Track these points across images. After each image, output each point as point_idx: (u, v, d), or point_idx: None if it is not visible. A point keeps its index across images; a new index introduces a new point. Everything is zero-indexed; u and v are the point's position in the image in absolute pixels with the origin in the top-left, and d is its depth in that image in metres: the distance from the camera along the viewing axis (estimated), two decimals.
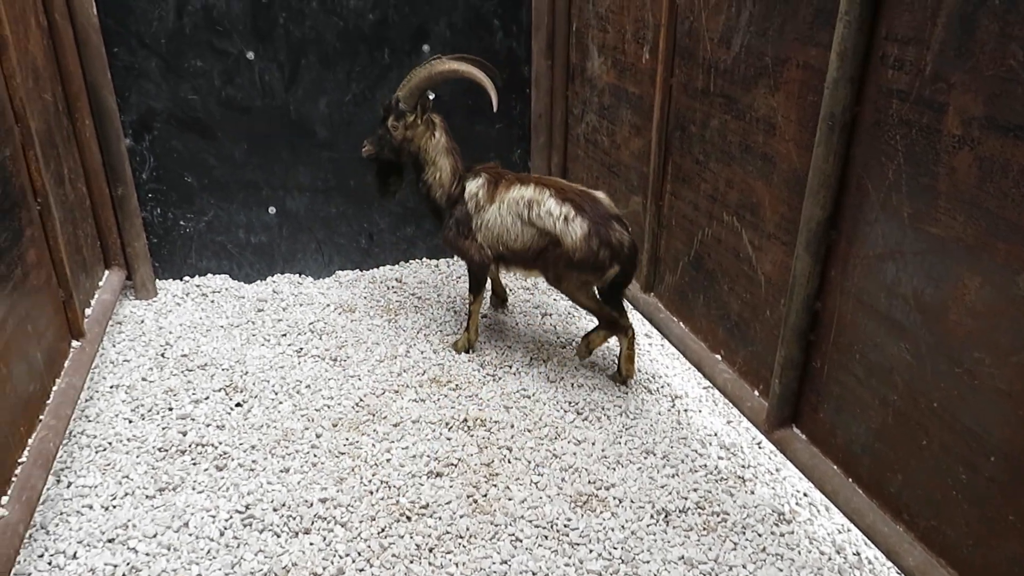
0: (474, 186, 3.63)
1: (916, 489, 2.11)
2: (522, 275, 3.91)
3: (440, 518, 2.77)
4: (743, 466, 3.10)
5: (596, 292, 3.56)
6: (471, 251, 3.66)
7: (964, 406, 1.93)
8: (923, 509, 2.10)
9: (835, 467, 2.43)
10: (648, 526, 2.76)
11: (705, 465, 3.08)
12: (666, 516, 2.81)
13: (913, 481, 2.12)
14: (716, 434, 3.30)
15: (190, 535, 2.67)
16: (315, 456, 3.09)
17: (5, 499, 2.42)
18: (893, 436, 2.19)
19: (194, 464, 3.03)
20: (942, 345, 1.98)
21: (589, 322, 4.20)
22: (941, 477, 2.02)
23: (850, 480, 2.37)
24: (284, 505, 2.81)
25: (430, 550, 2.64)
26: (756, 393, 2.85)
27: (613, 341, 3.76)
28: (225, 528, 2.71)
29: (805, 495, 2.96)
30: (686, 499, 2.89)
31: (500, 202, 3.56)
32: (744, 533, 2.74)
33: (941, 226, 1.94)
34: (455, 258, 4.87)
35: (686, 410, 3.47)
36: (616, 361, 3.72)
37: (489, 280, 4.21)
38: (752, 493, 2.95)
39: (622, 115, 3.75)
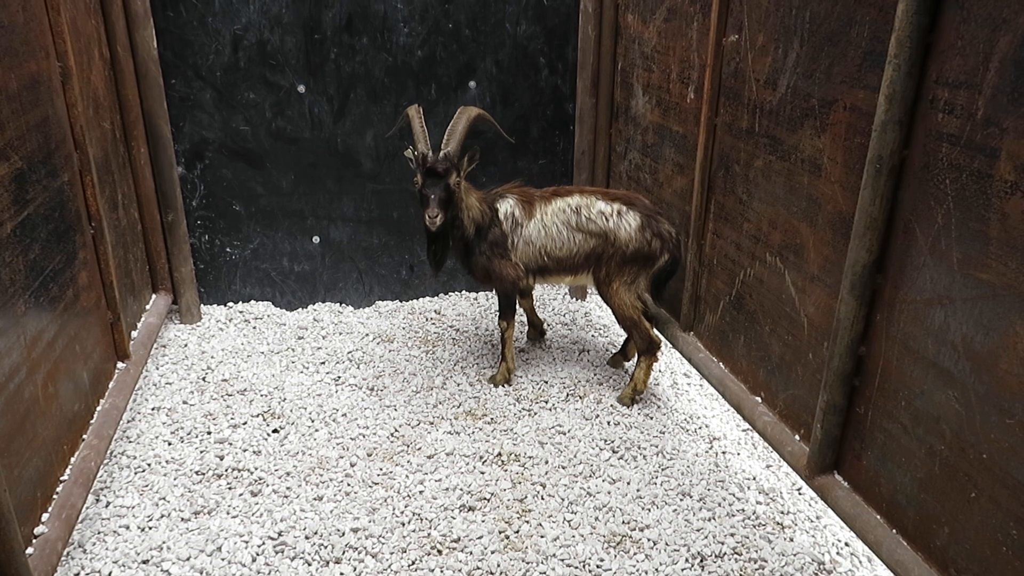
0: (507, 207, 3.66)
1: (964, 544, 2.04)
2: (565, 283, 3.97)
3: (471, 553, 2.75)
4: (782, 512, 3.03)
5: (641, 297, 3.68)
6: (505, 269, 3.66)
7: (1015, 459, 1.86)
8: (971, 565, 2.02)
9: (878, 517, 2.36)
10: (683, 570, 2.70)
11: (743, 510, 3.01)
12: (702, 561, 2.75)
13: (961, 535, 2.05)
14: (755, 478, 3.23)
15: (223, 559, 2.68)
16: (348, 485, 3.09)
17: (46, 516, 2.46)
18: (940, 487, 2.12)
19: (230, 488, 3.05)
20: (992, 395, 1.92)
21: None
22: (990, 532, 1.95)
23: (894, 531, 2.30)
24: (316, 533, 2.81)
25: None
26: (797, 437, 2.79)
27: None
28: (257, 554, 2.72)
29: (847, 545, 2.87)
30: (723, 544, 2.82)
31: (542, 215, 3.64)
32: None
33: (992, 272, 1.90)
34: (493, 292, 4.88)
35: (724, 452, 3.40)
36: (630, 378, 3.78)
37: (525, 313, 4.24)
38: (791, 540, 2.87)
39: (665, 154, 3.76)
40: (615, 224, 3.55)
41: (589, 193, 3.68)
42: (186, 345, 4.19)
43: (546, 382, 3.92)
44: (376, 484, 3.10)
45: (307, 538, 2.79)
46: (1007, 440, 1.88)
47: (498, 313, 3.85)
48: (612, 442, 3.40)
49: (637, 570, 2.69)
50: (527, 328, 4.36)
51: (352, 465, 3.21)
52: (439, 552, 2.76)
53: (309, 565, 2.68)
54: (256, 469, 3.16)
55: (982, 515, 1.97)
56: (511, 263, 3.66)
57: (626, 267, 3.58)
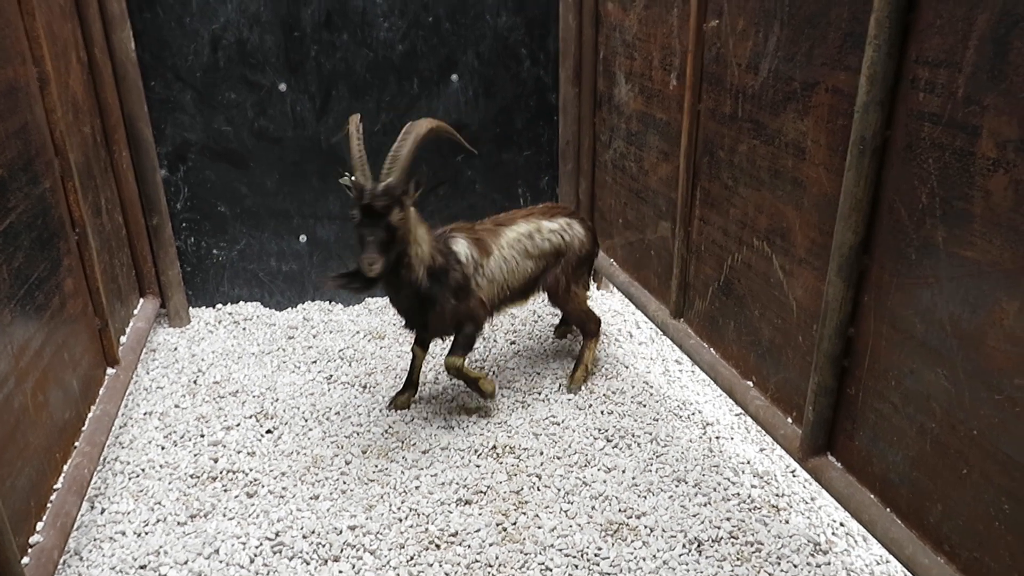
0: (463, 248, 3.33)
1: (957, 520, 2.06)
2: (516, 309, 4.04)
3: (469, 546, 2.75)
4: (777, 495, 3.05)
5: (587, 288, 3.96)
6: (478, 311, 3.41)
7: (1005, 434, 1.88)
8: (965, 540, 2.04)
9: (872, 496, 2.38)
10: (680, 556, 2.71)
11: (738, 494, 3.03)
12: (699, 546, 2.76)
13: (954, 511, 2.07)
14: (749, 462, 3.25)
15: (220, 562, 2.68)
16: (344, 483, 3.09)
17: (40, 525, 2.45)
18: (932, 465, 2.13)
19: (225, 491, 3.04)
20: (980, 372, 1.94)
21: (617, 345, 4.18)
22: (983, 507, 1.96)
23: (888, 510, 2.31)
24: (313, 532, 2.81)
25: None
26: (789, 420, 2.81)
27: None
28: (255, 555, 2.71)
29: (842, 525, 2.90)
30: (719, 528, 2.84)
31: (499, 249, 3.47)
32: (779, 564, 2.69)
33: (977, 250, 1.91)
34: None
35: (718, 437, 3.42)
36: (576, 363, 3.87)
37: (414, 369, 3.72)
38: (787, 522, 2.89)
39: (650, 141, 3.76)
40: (570, 236, 3.72)
41: (528, 217, 3.67)
42: (176, 348, 4.17)
43: (538, 373, 3.92)
44: (372, 481, 3.10)
45: (305, 537, 2.79)
46: (996, 416, 1.90)
47: (452, 352, 3.42)
48: (606, 431, 3.41)
49: (635, 557, 2.70)
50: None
51: (347, 463, 3.21)
52: (437, 546, 2.76)
53: (308, 564, 2.68)
54: (251, 470, 3.15)
55: (974, 491, 1.99)
56: (480, 302, 3.41)
57: (578, 270, 3.81)
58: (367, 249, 2.89)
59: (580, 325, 3.86)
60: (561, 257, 3.69)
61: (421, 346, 3.63)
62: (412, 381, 3.67)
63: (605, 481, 3.10)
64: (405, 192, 2.94)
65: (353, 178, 2.93)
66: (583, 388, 3.77)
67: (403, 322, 3.45)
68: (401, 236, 2.99)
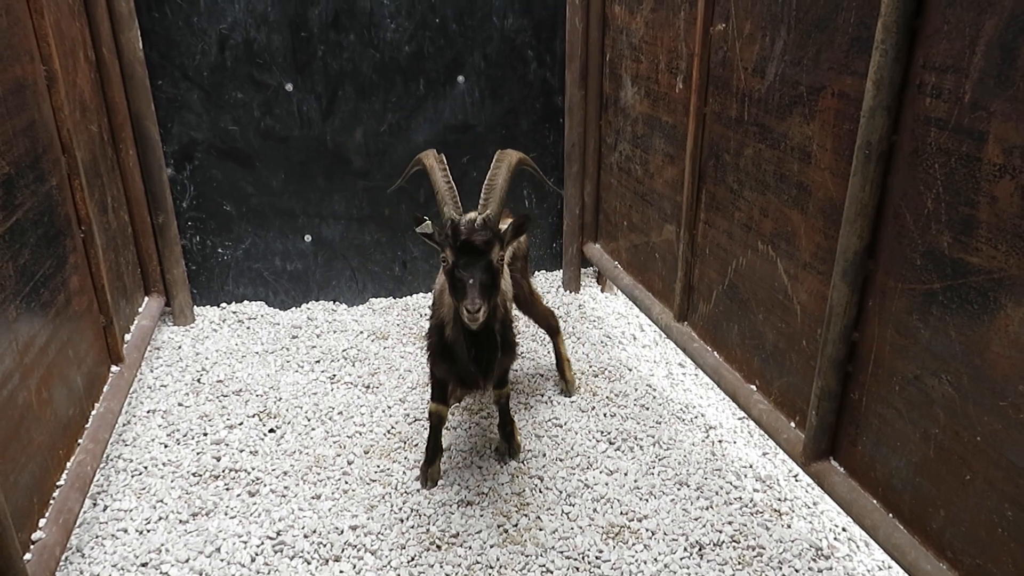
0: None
1: (960, 526, 2.05)
2: None
3: (470, 548, 2.75)
4: (779, 499, 3.04)
5: None
6: (512, 336, 3.03)
7: (1009, 441, 1.87)
8: (968, 547, 2.03)
9: (875, 501, 2.37)
10: (681, 559, 2.71)
11: (740, 498, 3.02)
12: (700, 549, 2.76)
13: (957, 518, 2.06)
14: (751, 466, 3.24)
15: (222, 560, 2.68)
16: (346, 483, 3.09)
17: (43, 521, 2.45)
18: (935, 471, 2.13)
19: (227, 489, 3.05)
20: (984, 378, 1.93)
21: (620, 348, 4.17)
22: (986, 514, 1.96)
23: (890, 515, 2.31)
24: (315, 532, 2.81)
25: None
26: (792, 424, 2.80)
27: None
28: (256, 554, 2.72)
29: (844, 530, 2.89)
30: (721, 532, 2.83)
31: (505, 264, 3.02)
32: (781, 568, 2.68)
33: (982, 256, 1.90)
34: None
35: (720, 441, 3.41)
36: (557, 372, 3.82)
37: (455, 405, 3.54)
38: (789, 527, 2.88)
39: (655, 144, 3.76)
40: (521, 240, 3.33)
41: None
42: (180, 347, 4.18)
43: (541, 375, 3.92)
44: (374, 481, 3.11)
45: (306, 537, 2.79)
46: (1000, 422, 1.89)
47: (503, 384, 3.15)
48: (609, 433, 3.41)
49: (636, 560, 2.70)
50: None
51: (349, 463, 3.21)
52: (438, 547, 2.76)
53: (308, 564, 2.68)
54: (253, 469, 3.16)
55: (977, 497, 1.98)
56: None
57: (525, 271, 3.52)
58: (469, 294, 2.42)
59: (546, 323, 3.68)
60: (517, 261, 3.35)
61: (445, 403, 3.07)
62: (440, 446, 3.11)
63: (607, 484, 3.09)
64: (506, 228, 2.59)
65: (432, 221, 2.57)
66: (586, 391, 3.76)
67: (457, 377, 2.90)
68: (499, 280, 2.57)
